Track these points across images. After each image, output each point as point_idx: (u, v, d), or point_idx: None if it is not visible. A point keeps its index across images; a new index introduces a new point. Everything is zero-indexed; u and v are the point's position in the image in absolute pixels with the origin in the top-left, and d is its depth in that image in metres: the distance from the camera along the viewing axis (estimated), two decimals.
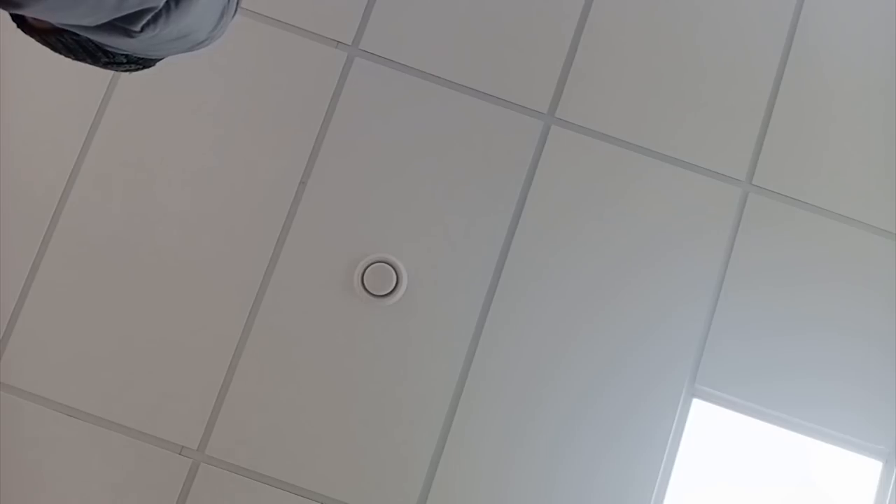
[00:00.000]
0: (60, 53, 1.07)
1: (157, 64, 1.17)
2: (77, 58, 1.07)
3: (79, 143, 2.74)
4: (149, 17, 0.98)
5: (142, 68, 1.16)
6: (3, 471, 2.61)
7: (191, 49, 1.14)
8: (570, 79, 2.82)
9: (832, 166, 2.81)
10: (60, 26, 1.00)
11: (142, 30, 0.99)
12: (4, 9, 0.90)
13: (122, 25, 0.97)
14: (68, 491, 2.62)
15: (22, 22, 1.02)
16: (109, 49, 1.06)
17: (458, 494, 2.66)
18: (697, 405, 2.74)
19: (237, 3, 1.18)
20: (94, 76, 2.77)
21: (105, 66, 1.11)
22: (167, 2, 1.00)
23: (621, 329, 2.72)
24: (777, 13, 2.87)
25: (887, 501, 2.72)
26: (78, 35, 1.02)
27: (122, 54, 1.09)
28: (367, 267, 2.70)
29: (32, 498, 2.61)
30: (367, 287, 2.69)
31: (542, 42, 2.84)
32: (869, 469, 2.75)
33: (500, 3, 2.85)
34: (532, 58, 2.83)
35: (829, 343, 2.72)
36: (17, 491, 2.61)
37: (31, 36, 1.03)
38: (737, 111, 2.82)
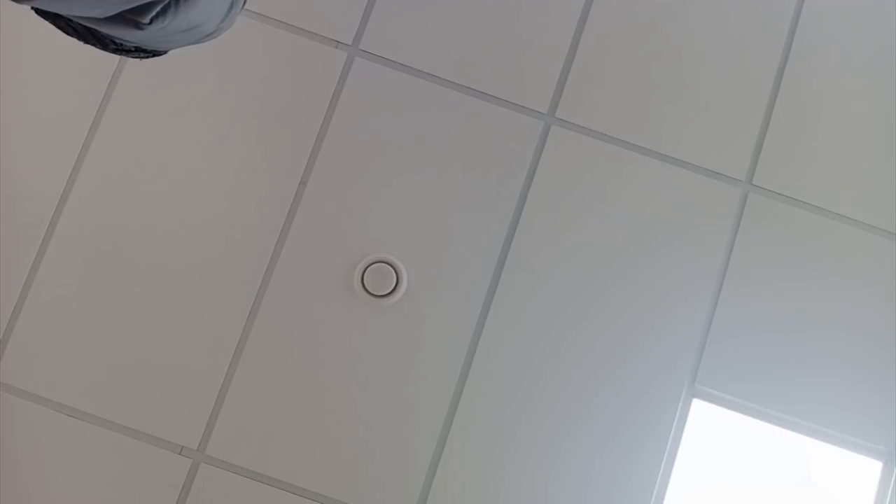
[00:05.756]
0: (69, 35, 1.07)
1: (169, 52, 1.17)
2: (85, 41, 1.07)
3: (79, 143, 2.74)
4: (158, 8, 0.98)
5: (152, 56, 1.16)
6: (3, 471, 2.60)
7: (200, 41, 1.14)
8: (570, 79, 2.82)
9: (832, 166, 2.81)
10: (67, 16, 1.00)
11: (151, 22, 0.99)
12: (16, 0, 0.90)
13: (131, 17, 0.97)
14: (68, 491, 2.62)
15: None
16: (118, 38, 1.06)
17: (458, 494, 2.66)
18: (697, 405, 2.74)
19: None
20: (94, 76, 2.77)
21: (114, 51, 1.10)
22: None
23: (621, 329, 2.72)
24: (777, 13, 2.87)
25: (887, 501, 2.72)
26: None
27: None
28: (367, 267, 2.70)
29: (32, 498, 2.61)
30: (367, 287, 2.69)
31: (542, 42, 2.84)
32: (869, 469, 2.75)
33: (500, 3, 2.86)
34: (532, 58, 2.83)
35: (830, 343, 2.73)
36: (17, 491, 2.60)
37: (43, 17, 1.03)
38: (737, 111, 2.82)
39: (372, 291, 2.69)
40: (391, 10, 2.84)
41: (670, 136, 2.80)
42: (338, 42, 2.82)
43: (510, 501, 2.65)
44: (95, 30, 1.04)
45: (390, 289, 2.70)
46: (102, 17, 0.97)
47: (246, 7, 2.70)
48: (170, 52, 1.25)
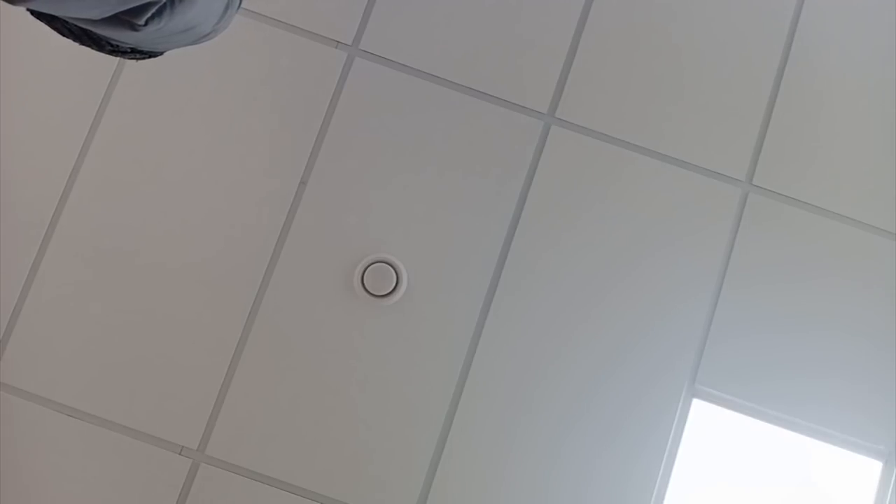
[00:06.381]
0: (65, 37, 1.07)
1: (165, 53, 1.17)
2: (82, 43, 1.07)
3: (79, 143, 2.74)
4: (153, 10, 0.98)
5: (147, 57, 1.16)
6: (3, 471, 2.60)
7: (196, 42, 1.14)
8: (570, 79, 2.82)
9: (832, 166, 2.81)
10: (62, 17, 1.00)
11: (146, 23, 0.99)
12: (10, 3, 0.90)
13: (126, 19, 0.97)
14: (68, 491, 2.62)
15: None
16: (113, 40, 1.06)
17: (458, 494, 2.66)
18: (697, 405, 2.74)
19: None
20: (94, 76, 2.77)
21: (110, 52, 1.10)
22: None
23: (621, 329, 2.72)
24: (777, 13, 2.87)
25: (887, 501, 2.72)
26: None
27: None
28: (367, 267, 2.70)
29: (32, 498, 2.61)
30: (367, 287, 2.69)
31: (542, 42, 2.84)
32: (869, 469, 2.75)
33: (500, 3, 2.85)
34: (532, 58, 2.83)
35: (830, 343, 2.72)
36: (17, 491, 2.60)
37: (39, 19, 1.03)
38: (737, 111, 2.82)
39: (372, 291, 2.69)
40: (391, 10, 2.84)
41: (670, 136, 2.80)
42: (338, 42, 2.82)
43: (510, 501, 2.65)
44: (91, 31, 1.04)
45: (390, 289, 2.70)
46: (98, 18, 0.97)
47: (246, 7, 2.71)
48: (169, 53, 1.25)
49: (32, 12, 1.02)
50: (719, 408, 2.74)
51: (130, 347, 2.67)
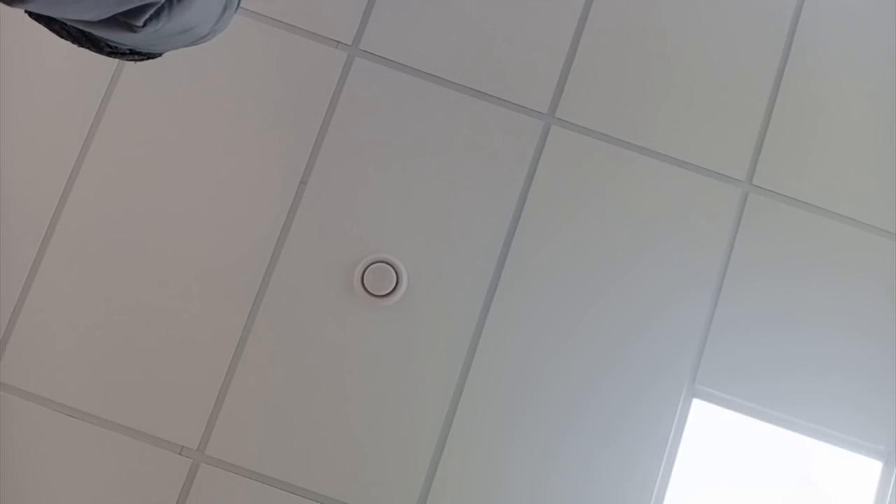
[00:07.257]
0: (64, 39, 1.07)
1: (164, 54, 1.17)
2: (80, 44, 1.07)
3: (79, 143, 2.74)
4: (151, 11, 0.98)
5: (146, 58, 1.16)
6: (3, 471, 2.60)
7: (194, 43, 1.14)
8: (570, 79, 2.82)
9: (832, 166, 2.81)
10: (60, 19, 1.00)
11: (144, 24, 0.99)
12: (8, 4, 0.90)
13: (124, 20, 0.97)
14: (68, 491, 2.62)
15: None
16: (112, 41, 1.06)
17: (458, 494, 2.66)
18: (697, 405, 2.74)
19: None
20: (94, 76, 2.77)
21: (109, 54, 1.11)
22: None
23: (621, 329, 2.72)
24: (776, 13, 2.87)
25: (887, 501, 2.72)
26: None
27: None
28: (367, 267, 2.70)
29: (32, 498, 2.61)
30: (367, 287, 2.69)
31: (542, 42, 2.84)
32: (869, 469, 2.75)
33: (499, 2, 2.85)
34: (532, 58, 2.83)
35: (830, 343, 2.72)
36: (17, 491, 2.61)
37: (37, 21, 1.03)
38: (737, 111, 2.82)
39: (372, 291, 2.69)
40: (391, 10, 2.84)
41: (670, 136, 2.80)
42: (338, 42, 2.82)
43: (510, 501, 2.65)
44: (89, 33, 1.04)
45: (390, 289, 2.70)
46: (96, 20, 0.97)
47: (246, 7, 2.71)
48: (168, 54, 1.25)
49: (30, 14, 1.02)
50: (719, 408, 2.74)
51: (130, 347, 2.67)
